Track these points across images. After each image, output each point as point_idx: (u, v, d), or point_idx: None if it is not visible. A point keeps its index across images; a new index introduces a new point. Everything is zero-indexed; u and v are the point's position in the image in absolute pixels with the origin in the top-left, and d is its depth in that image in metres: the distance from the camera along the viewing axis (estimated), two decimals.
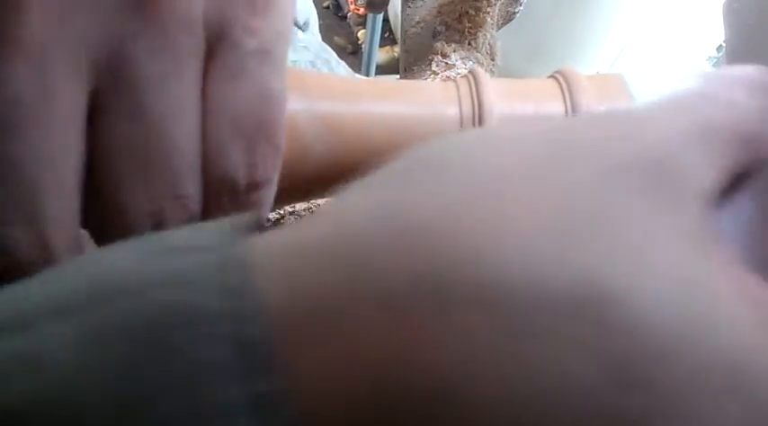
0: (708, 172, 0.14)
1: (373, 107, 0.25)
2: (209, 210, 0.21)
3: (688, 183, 0.13)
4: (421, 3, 0.48)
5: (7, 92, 0.18)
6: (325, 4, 1.68)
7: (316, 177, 0.25)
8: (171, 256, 0.13)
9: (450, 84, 0.27)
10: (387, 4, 0.62)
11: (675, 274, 0.12)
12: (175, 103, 0.19)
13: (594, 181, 0.13)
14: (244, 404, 0.11)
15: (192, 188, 0.20)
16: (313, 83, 0.25)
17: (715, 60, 1.11)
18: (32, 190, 0.19)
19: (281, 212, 0.40)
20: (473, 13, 0.45)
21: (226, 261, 0.13)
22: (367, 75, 1.10)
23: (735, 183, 0.14)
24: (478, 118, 0.25)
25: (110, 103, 0.19)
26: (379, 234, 0.13)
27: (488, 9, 0.45)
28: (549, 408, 0.11)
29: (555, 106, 0.26)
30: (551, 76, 0.28)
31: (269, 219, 0.39)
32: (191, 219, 0.20)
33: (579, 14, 1.00)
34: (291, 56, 0.57)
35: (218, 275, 0.13)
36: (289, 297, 0.12)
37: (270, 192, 0.22)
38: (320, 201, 0.39)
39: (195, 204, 0.20)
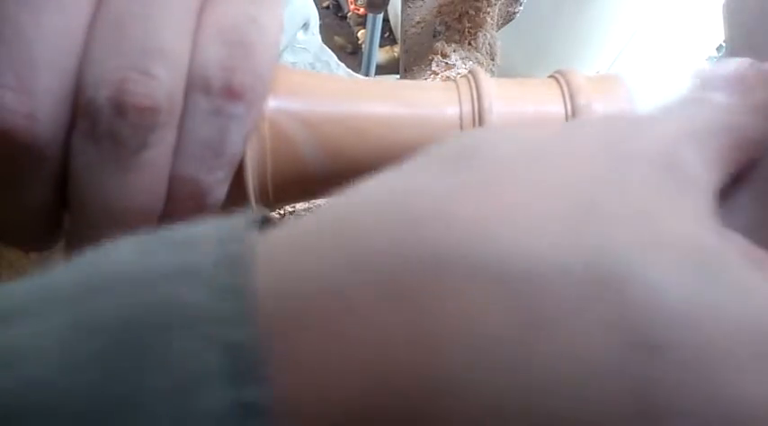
0: (705, 168, 0.14)
1: (373, 107, 0.25)
2: (185, 112, 0.21)
3: (690, 176, 0.14)
4: (421, 3, 0.48)
5: None
6: (325, 4, 1.68)
7: (315, 177, 0.25)
8: (171, 251, 0.13)
9: (450, 83, 0.27)
10: (387, 4, 0.62)
11: (687, 246, 0.12)
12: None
13: (603, 168, 0.13)
14: (228, 413, 0.11)
15: (160, 70, 0.20)
16: (310, 83, 0.25)
17: (715, 60, 1.10)
18: (31, 58, 0.19)
19: (282, 212, 0.40)
20: (473, 13, 0.45)
21: (223, 259, 0.13)
22: (367, 75, 1.10)
23: (735, 184, 0.15)
24: (478, 117, 0.25)
25: None
26: (382, 218, 0.13)
27: (488, 9, 0.45)
28: (569, 397, 0.11)
29: (554, 106, 0.26)
30: (551, 76, 0.28)
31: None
32: (153, 102, 0.20)
33: (579, 14, 1.00)
34: (291, 58, 0.57)
35: (213, 274, 0.12)
36: (282, 297, 0.12)
37: (245, 113, 0.22)
38: (320, 202, 0.39)
39: (161, 90, 0.20)
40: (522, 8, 0.49)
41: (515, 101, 0.26)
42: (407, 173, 0.14)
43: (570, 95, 0.26)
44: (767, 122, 0.14)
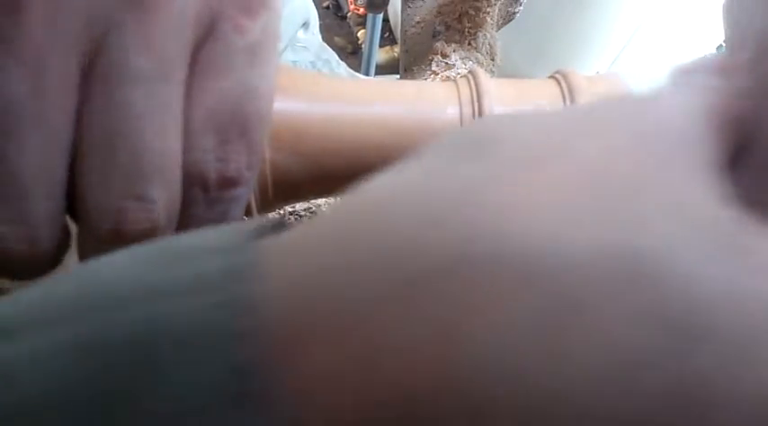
0: (712, 146, 0.14)
1: (373, 108, 0.25)
2: (183, 207, 0.21)
3: (701, 154, 0.14)
4: (421, 3, 0.48)
5: (3, 93, 0.18)
6: (324, 4, 1.68)
7: (314, 178, 0.25)
8: (174, 264, 0.13)
9: (450, 84, 0.27)
10: (387, 4, 0.62)
11: (717, 228, 0.12)
12: (154, 103, 0.19)
13: (620, 148, 0.13)
14: None
15: (156, 192, 0.19)
16: (310, 84, 0.25)
17: None
18: (22, 189, 0.19)
19: (281, 212, 0.40)
20: (473, 13, 0.45)
21: (229, 271, 0.12)
22: (367, 75, 1.10)
23: (731, 163, 0.15)
24: (478, 118, 0.25)
25: (93, 94, 0.19)
26: (398, 213, 0.12)
27: (488, 9, 0.45)
28: (605, 388, 0.10)
29: (554, 106, 0.26)
30: (551, 77, 0.28)
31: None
32: (153, 224, 0.20)
33: (579, 14, 1.00)
34: (291, 56, 0.57)
35: (219, 288, 0.12)
36: (293, 311, 0.12)
37: (244, 192, 0.22)
38: (319, 201, 0.39)
39: (159, 209, 0.20)
40: (522, 8, 0.49)
41: (515, 101, 0.26)
42: (422, 164, 0.14)
43: (570, 96, 0.26)
44: (752, 104, 0.14)
